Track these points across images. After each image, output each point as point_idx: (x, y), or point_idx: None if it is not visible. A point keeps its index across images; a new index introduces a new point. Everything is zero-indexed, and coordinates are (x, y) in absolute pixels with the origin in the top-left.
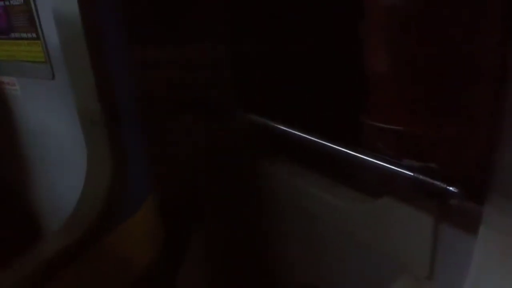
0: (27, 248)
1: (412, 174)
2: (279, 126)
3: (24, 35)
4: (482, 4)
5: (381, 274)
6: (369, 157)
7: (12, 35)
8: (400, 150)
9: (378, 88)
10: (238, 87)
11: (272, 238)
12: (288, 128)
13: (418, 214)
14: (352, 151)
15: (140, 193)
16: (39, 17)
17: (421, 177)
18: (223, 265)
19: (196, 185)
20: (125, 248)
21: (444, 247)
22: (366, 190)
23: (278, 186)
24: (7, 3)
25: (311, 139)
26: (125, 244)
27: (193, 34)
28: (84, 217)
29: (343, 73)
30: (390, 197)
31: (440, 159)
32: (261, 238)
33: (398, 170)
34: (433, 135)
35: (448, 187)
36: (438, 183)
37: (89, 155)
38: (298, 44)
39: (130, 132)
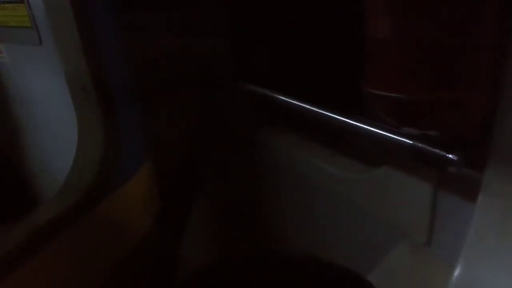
0: (22, 216)
1: (411, 142)
2: (277, 96)
3: None
4: None
5: (380, 241)
6: (368, 126)
7: None
8: (400, 118)
9: (378, 55)
10: (236, 55)
11: (270, 207)
12: (286, 97)
13: (417, 182)
14: (351, 119)
15: (135, 159)
16: None
17: (420, 145)
18: (222, 232)
19: (193, 153)
20: (121, 214)
21: (443, 214)
22: (365, 158)
23: (276, 155)
24: None
25: (310, 109)
26: (121, 210)
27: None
28: (78, 184)
29: (343, 40)
30: (389, 165)
31: (440, 126)
32: (259, 207)
33: (397, 138)
34: (433, 101)
35: (447, 155)
36: (437, 150)
37: (79, 121)
38: (298, 11)
39: (122, 98)
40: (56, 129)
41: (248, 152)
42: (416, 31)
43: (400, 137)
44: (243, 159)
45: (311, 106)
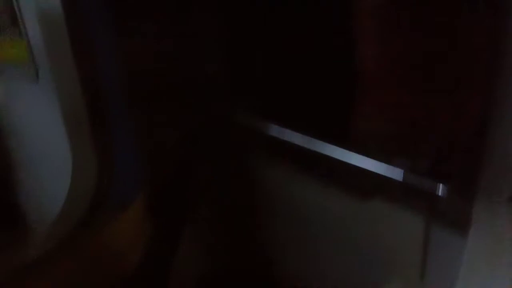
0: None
1: (401, 174)
2: (270, 127)
3: (7, 35)
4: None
5: (372, 276)
6: (358, 158)
7: None
8: (390, 151)
9: (365, 87)
10: (232, 86)
11: (263, 239)
12: (279, 129)
13: (408, 215)
14: (341, 152)
15: (129, 191)
16: (22, 16)
17: (410, 177)
18: (215, 262)
19: (187, 183)
20: (114, 246)
21: (435, 247)
22: (358, 191)
23: (268, 186)
24: None
25: (303, 140)
26: (113, 243)
27: (188, 26)
28: (71, 216)
29: (333, 73)
30: (380, 198)
31: (429, 158)
32: (253, 239)
33: (387, 171)
34: (421, 134)
35: (438, 186)
36: (428, 182)
37: (74, 154)
38: (293, 44)
39: (116, 130)
40: (50, 163)
41: (241, 182)
42: (401, 63)
43: (391, 169)
44: (235, 189)
45: (303, 138)
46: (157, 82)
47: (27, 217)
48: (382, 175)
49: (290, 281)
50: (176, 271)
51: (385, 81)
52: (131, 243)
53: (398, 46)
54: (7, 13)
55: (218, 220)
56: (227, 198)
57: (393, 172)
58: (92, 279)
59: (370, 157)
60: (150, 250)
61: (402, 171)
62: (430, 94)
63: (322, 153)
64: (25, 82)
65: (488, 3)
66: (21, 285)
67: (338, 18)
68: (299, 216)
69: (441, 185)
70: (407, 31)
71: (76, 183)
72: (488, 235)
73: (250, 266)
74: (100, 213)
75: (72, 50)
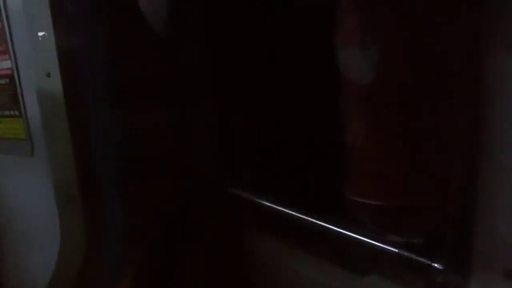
0: None
1: (396, 250)
2: (263, 202)
3: (7, 112)
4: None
5: None
6: (353, 233)
7: None
8: (383, 225)
9: (357, 162)
10: (223, 159)
11: None
12: (272, 203)
13: None
14: (336, 226)
15: (116, 271)
16: (23, 95)
17: (405, 253)
18: None
19: (176, 262)
20: None
21: None
22: (353, 266)
23: (261, 261)
24: None
25: (295, 215)
26: None
27: (180, 103)
28: None
29: (325, 147)
30: (376, 274)
31: (424, 234)
32: None
33: (382, 247)
34: (414, 209)
35: (433, 264)
36: (422, 259)
37: (62, 233)
38: (284, 119)
39: (108, 209)
40: (38, 239)
41: (232, 257)
42: (392, 139)
43: (386, 245)
44: (227, 265)
45: (297, 212)
46: (150, 160)
47: None
48: (377, 249)
49: None
50: None
51: (375, 158)
52: None
53: (386, 125)
54: (9, 92)
55: None
56: (219, 273)
57: (388, 247)
58: None
59: (364, 233)
60: None
61: (397, 248)
62: (420, 170)
63: (317, 227)
64: (20, 157)
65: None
66: None
67: (327, 98)
68: None
69: (436, 261)
70: (394, 114)
71: (63, 260)
72: None
73: None
74: None
75: (70, 129)
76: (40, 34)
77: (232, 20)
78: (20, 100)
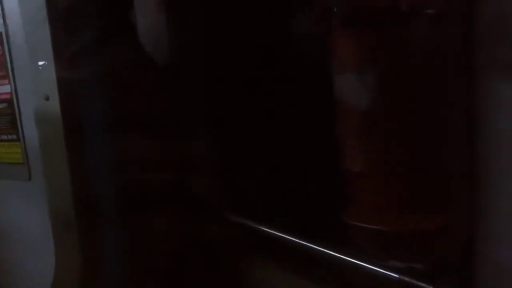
0: None
1: (397, 276)
2: (261, 227)
3: (4, 137)
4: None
5: None
6: (353, 259)
7: None
8: (383, 250)
9: (355, 187)
10: (220, 185)
11: None
12: (270, 229)
13: None
14: (336, 252)
15: None
16: (21, 120)
17: (406, 279)
18: None
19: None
20: None
21: None
22: None
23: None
24: None
25: (295, 241)
26: None
27: (178, 131)
28: None
29: (325, 173)
30: None
31: (425, 259)
32: None
33: (383, 272)
34: (414, 235)
35: None
36: (424, 285)
37: (57, 259)
38: (282, 145)
39: (103, 238)
40: (33, 264)
41: (231, 283)
42: (390, 164)
43: (386, 270)
44: None
45: (295, 237)
46: (148, 188)
47: None
48: (377, 275)
49: None
50: None
51: (374, 183)
52: None
53: (384, 150)
54: (7, 117)
55: None
56: None
57: (389, 273)
58: None
59: (364, 258)
60: None
61: (397, 274)
62: (421, 194)
63: (316, 252)
64: (18, 181)
65: None
66: None
67: (325, 124)
68: None
69: (437, 286)
70: (392, 139)
71: (58, 287)
72: None
73: None
74: None
75: (67, 153)
76: (41, 63)
77: (230, 46)
78: (18, 124)
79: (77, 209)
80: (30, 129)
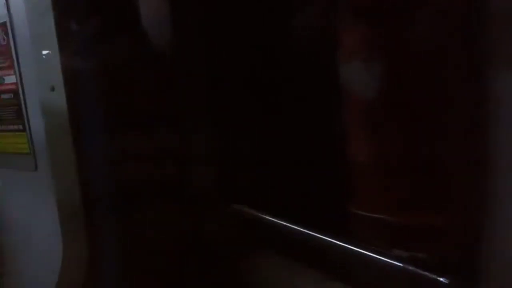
0: None
1: (401, 265)
2: (265, 217)
3: (11, 127)
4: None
5: None
6: (357, 248)
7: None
8: (387, 240)
9: (361, 178)
10: (222, 176)
11: None
12: (274, 218)
13: None
14: (340, 241)
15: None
16: (27, 110)
17: (410, 268)
18: None
19: (177, 281)
20: None
21: None
22: (357, 282)
23: (264, 280)
24: None
25: (297, 230)
26: None
27: (180, 123)
28: None
29: (329, 162)
30: None
31: (429, 248)
32: None
33: (387, 261)
34: (418, 224)
35: (438, 278)
36: (428, 274)
37: (65, 249)
38: (286, 135)
39: (109, 228)
40: (40, 254)
41: (234, 276)
42: (395, 154)
43: (390, 259)
44: (228, 283)
45: (299, 227)
46: (151, 179)
47: None
48: (381, 264)
49: None
50: None
51: (379, 172)
52: None
53: (390, 139)
54: (13, 107)
55: None
56: None
57: (393, 262)
58: None
59: (369, 247)
60: None
61: (401, 263)
62: (425, 183)
63: (321, 242)
64: (24, 171)
65: None
66: None
67: (330, 113)
68: None
69: (442, 275)
70: (395, 129)
71: (64, 276)
72: None
73: None
74: None
75: (72, 143)
76: (45, 52)
77: (229, 37)
78: (24, 114)
79: (83, 200)
80: (36, 120)
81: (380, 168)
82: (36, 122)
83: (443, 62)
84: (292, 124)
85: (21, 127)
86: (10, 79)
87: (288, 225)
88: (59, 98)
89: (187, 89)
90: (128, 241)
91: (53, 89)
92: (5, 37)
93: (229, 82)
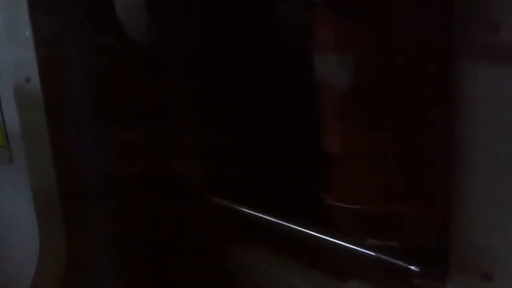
0: None
1: (374, 254)
2: (243, 209)
3: None
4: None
5: None
6: (332, 238)
7: None
8: (362, 230)
9: (335, 168)
10: (207, 169)
11: None
12: (252, 210)
13: None
14: (315, 231)
15: (96, 284)
16: (1, 102)
17: (383, 256)
18: None
19: (159, 272)
20: None
21: None
22: (336, 272)
23: (247, 271)
24: None
25: (275, 221)
26: None
27: (162, 115)
28: None
29: (306, 154)
30: (356, 279)
31: (401, 237)
32: None
33: (360, 251)
34: (391, 214)
35: (410, 267)
36: (400, 262)
37: (42, 242)
38: (264, 127)
39: (87, 220)
40: (17, 247)
41: (218, 267)
42: (369, 146)
43: (364, 248)
44: (212, 275)
45: (276, 218)
46: (131, 170)
47: None
48: (355, 253)
49: None
50: None
51: (353, 163)
52: None
53: (364, 130)
54: None
55: None
56: (203, 283)
57: (366, 251)
58: None
59: (343, 237)
60: None
61: (375, 252)
62: (397, 174)
63: (296, 232)
64: None
65: None
66: None
67: (307, 105)
68: None
69: (413, 264)
70: (372, 120)
71: (42, 269)
72: None
73: None
74: None
75: (48, 133)
76: (19, 43)
77: (211, 30)
78: None
79: (60, 191)
80: (10, 112)
81: (354, 159)
82: (11, 114)
83: (415, 56)
84: (271, 117)
85: None
86: None
87: (264, 216)
88: (35, 89)
89: (170, 79)
90: (107, 233)
91: (28, 80)
92: None
93: (212, 74)
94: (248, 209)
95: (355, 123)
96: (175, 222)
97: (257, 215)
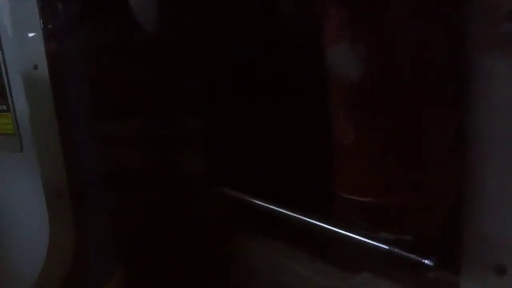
0: None
1: (387, 247)
2: (253, 200)
3: None
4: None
5: None
6: (344, 231)
7: None
8: (373, 222)
9: (346, 161)
10: (210, 159)
11: None
12: (262, 201)
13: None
14: (326, 224)
15: (104, 271)
16: (10, 90)
17: (396, 250)
18: None
19: (165, 263)
20: None
21: None
22: (345, 264)
23: (253, 262)
24: None
25: (285, 213)
26: None
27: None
28: None
29: (315, 146)
30: (368, 271)
31: (413, 230)
32: None
33: (373, 244)
34: (403, 206)
35: (423, 260)
36: (413, 256)
37: (51, 229)
38: (271, 116)
39: (96, 208)
40: (26, 235)
41: (224, 259)
42: (378, 139)
43: (376, 242)
44: (218, 267)
45: (287, 210)
46: (138, 161)
47: None
48: (368, 247)
49: None
50: None
51: (365, 156)
52: None
53: (375, 123)
54: None
55: None
56: (209, 273)
57: (379, 244)
58: None
59: (355, 230)
60: None
61: (387, 245)
62: (410, 167)
63: (308, 225)
64: (8, 152)
65: None
66: None
67: (316, 97)
68: None
69: (427, 258)
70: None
71: (52, 256)
72: None
73: None
74: None
75: (57, 123)
76: (28, 30)
77: (214, 24)
78: (8, 95)
79: (69, 179)
80: (20, 99)
81: (366, 151)
82: (21, 102)
83: (426, 48)
84: (279, 108)
85: (5, 107)
86: None
87: (275, 208)
88: (43, 76)
89: (174, 73)
90: (115, 223)
91: (36, 67)
92: None
93: (215, 66)
94: (257, 200)
95: (369, 113)
96: (179, 213)
97: (266, 206)
